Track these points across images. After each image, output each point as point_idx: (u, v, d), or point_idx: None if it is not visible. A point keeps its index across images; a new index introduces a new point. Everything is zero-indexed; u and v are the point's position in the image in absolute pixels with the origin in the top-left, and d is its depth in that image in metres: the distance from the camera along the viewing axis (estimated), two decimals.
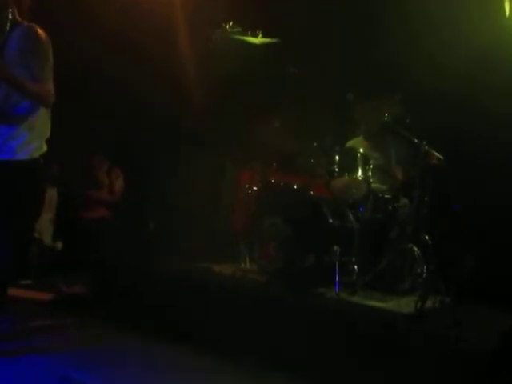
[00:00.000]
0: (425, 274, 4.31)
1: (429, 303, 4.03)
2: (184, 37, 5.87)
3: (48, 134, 3.54)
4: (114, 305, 4.56)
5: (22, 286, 5.13)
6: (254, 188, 5.18)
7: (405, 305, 4.18)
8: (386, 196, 4.94)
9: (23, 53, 3.32)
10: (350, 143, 5.41)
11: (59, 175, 6.14)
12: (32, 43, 3.35)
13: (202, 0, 5.59)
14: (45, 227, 6.04)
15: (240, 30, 5.60)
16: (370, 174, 4.86)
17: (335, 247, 4.53)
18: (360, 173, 4.81)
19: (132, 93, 5.91)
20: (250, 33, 5.60)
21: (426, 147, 4.65)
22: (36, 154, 3.45)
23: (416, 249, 4.47)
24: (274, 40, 5.65)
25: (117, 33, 5.49)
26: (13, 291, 4.71)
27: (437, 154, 4.70)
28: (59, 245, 6.07)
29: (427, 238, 4.48)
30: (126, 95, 5.94)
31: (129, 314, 4.41)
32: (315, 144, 4.96)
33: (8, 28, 3.34)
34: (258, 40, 5.61)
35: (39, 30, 3.40)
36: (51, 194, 6.11)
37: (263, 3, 5.46)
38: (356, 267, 4.54)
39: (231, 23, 5.60)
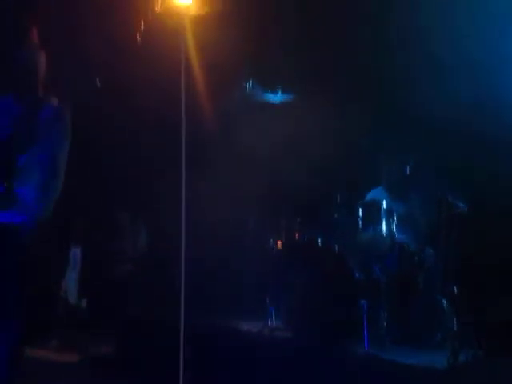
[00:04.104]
0: (455, 327, 4.25)
1: (461, 358, 3.96)
2: (204, 96, 6.00)
3: None
4: (142, 363, 4.53)
5: (48, 347, 5.12)
6: (279, 242, 5.18)
7: (437, 360, 4.10)
8: (412, 248, 4.92)
9: (51, 141, 3.39)
10: (370, 194, 5.44)
11: (83, 233, 6.20)
12: (62, 135, 3.45)
13: (222, 60, 5.74)
14: (70, 286, 6.07)
15: (260, 88, 5.72)
16: (394, 226, 4.88)
17: (362, 301, 4.50)
18: (384, 225, 4.83)
19: (153, 148, 5.97)
20: (270, 91, 5.73)
21: (450, 198, 4.66)
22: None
23: (445, 301, 4.42)
24: (293, 96, 5.76)
25: (132, 94, 5.60)
26: (39, 352, 4.74)
27: (461, 204, 4.70)
28: (84, 304, 6.07)
29: (456, 289, 4.45)
30: (147, 149, 6.00)
31: (157, 373, 4.37)
32: (338, 198, 5.00)
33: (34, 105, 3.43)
34: (277, 98, 5.72)
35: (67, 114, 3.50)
36: (76, 253, 6.16)
37: (281, 62, 5.59)
38: (385, 321, 4.49)
39: (251, 82, 5.73)
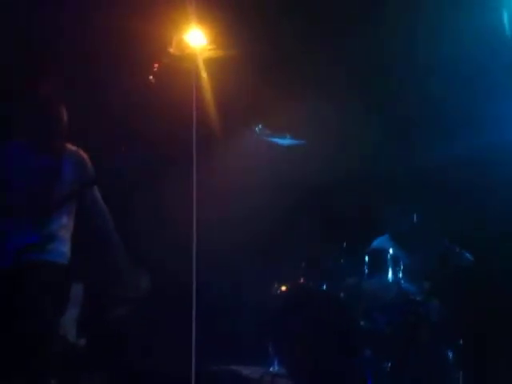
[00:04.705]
0: (461, 381, 4.17)
1: None
2: (213, 139, 6.03)
3: None
4: None
5: None
6: (283, 288, 5.13)
7: None
8: (417, 298, 4.86)
9: (80, 181, 3.63)
10: (376, 242, 5.42)
11: (85, 270, 6.12)
12: (87, 174, 3.68)
13: (232, 103, 5.79)
14: (69, 324, 5.95)
15: (269, 132, 5.76)
16: (400, 275, 4.83)
17: (367, 351, 4.43)
18: (390, 274, 4.79)
19: (164, 188, 5.95)
20: (278, 135, 5.76)
21: (457, 249, 4.64)
22: None
23: (451, 354, 4.36)
24: (301, 142, 5.79)
25: (144, 135, 5.62)
26: None
27: (467, 255, 4.68)
28: (83, 342, 5.94)
29: (462, 342, 4.39)
30: (157, 189, 5.98)
31: None
32: (344, 245, 4.97)
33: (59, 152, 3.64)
34: (286, 142, 5.76)
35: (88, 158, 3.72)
36: (77, 290, 6.07)
37: (292, 106, 5.65)
38: (389, 372, 4.41)
39: (260, 126, 5.77)
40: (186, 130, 4.52)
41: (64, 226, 3.58)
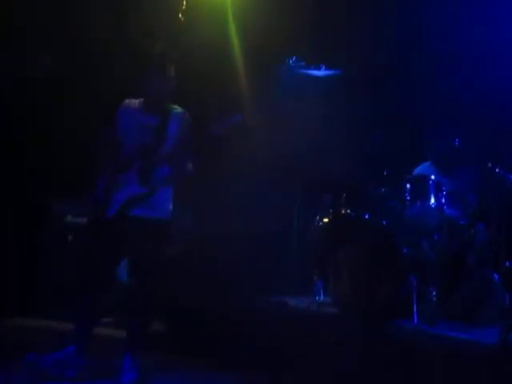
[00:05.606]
0: (508, 303, 4.16)
1: None
2: (247, 73, 5.97)
3: None
4: (191, 341, 4.61)
5: (102, 324, 5.23)
6: (325, 219, 5.15)
7: (488, 336, 4.04)
8: (461, 222, 4.82)
9: (183, 139, 3.83)
10: (417, 169, 5.35)
11: None
12: (190, 133, 3.87)
13: (265, 36, 5.70)
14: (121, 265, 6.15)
15: (303, 64, 5.67)
16: (443, 200, 4.78)
17: (411, 277, 4.45)
18: (433, 200, 4.74)
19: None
20: (313, 66, 5.67)
21: (500, 170, 4.54)
22: None
23: (496, 276, 4.34)
24: (337, 72, 5.69)
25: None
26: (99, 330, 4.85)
27: (511, 177, 4.57)
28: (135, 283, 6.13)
29: (508, 264, 4.35)
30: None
31: (205, 351, 4.45)
32: (385, 173, 4.93)
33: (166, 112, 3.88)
34: (321, 73, 5.66)
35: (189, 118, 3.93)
36: None
37: (327, 37, 5.53)
38: (434, 297, 4.43)
39: (294, 58, 5.68)
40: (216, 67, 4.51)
41: (167, 181, 3.83)
